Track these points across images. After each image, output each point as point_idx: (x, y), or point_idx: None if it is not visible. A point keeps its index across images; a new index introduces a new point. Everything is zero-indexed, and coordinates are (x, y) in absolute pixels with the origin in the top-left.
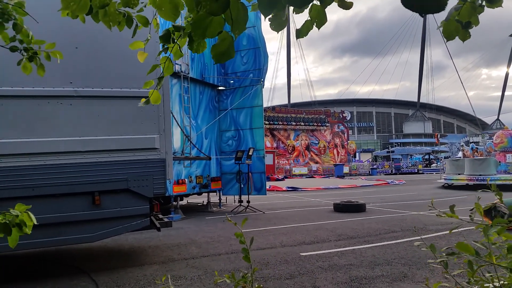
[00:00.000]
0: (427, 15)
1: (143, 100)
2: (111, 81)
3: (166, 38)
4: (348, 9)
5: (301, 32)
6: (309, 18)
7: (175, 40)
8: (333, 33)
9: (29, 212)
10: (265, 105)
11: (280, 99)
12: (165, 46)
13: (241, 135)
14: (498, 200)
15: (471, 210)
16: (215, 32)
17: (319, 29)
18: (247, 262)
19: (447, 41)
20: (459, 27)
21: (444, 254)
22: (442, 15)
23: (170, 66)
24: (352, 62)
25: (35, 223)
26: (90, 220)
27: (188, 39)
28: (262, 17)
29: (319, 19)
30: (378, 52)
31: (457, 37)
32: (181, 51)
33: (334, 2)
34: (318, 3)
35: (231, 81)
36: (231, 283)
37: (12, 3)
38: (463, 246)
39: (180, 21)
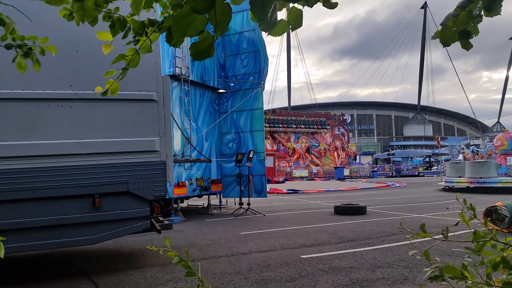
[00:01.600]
0: (427, 20)
1: (99, 88)
2: None
3: (140, 28)
4: (333, 8)
5: (275, 32)
6: (285, 19)
7: (148, 34)
8: (332, 36)
9: (1, 243)
10: (265, 107)
11: (280, 102)
12: (136, 38)
13: (241, 138)
14: (500, 203)
15: (443, 230)
16: (197, 31)
17: (292, 31)
18: (191, 276)
19: (443, 47)
20: (455, 35)
21: (426, 279)
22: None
23: (137, 59)
24: (351, 65)
25: (2, 257)
26: (90, 222)
27: (166, 33)
28: None
29: (295, 22)
30: (377, 55)
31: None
32: (151, 47)
33: (318, 2)
34: (300, 6)
35: (232, 84)
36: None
37: None
38: (450, 270)
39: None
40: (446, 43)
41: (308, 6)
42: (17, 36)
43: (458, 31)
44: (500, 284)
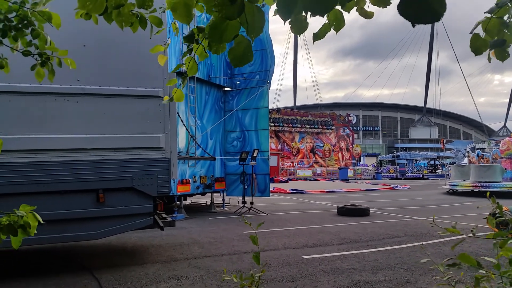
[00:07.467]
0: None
1: (166, 97)
2: (118, 79)
3: (190, 38)
4: (369, 18)
5: (318, 36)
6: (327, 21)
7: (200, 41)
8: (335, 36)
9: (34, 213)
10: (271, 106)
11: (286, 101)
12: (189, 47)
13: (246, 136)
14: (505, 208)
15: (472, 229)
16: (231, 36)
17: (337, 32)
18: (257, 264)
19: (475, 55)
20: (487, 42)
21: (445, 265)
22: (452, 21)
23: (195, 66)
24: (355, 66)
25: (41, 222)
26: (94, 218)
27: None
28: (269, 18)
29: (337, 22)
30: (382, 55)
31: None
32: (206, 52)
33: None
34: (339, 7)
35: (237, 82)
36: (237, 282)
37: (35, 10)
38: (466, 258)
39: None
40: (477, 51)
41: (346, 11)
42: (41, 45)
43: (492, 40)
44: None
